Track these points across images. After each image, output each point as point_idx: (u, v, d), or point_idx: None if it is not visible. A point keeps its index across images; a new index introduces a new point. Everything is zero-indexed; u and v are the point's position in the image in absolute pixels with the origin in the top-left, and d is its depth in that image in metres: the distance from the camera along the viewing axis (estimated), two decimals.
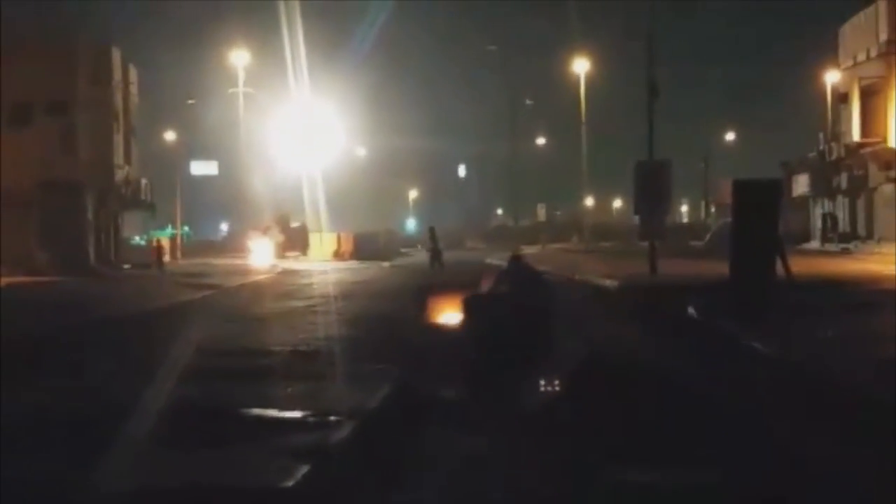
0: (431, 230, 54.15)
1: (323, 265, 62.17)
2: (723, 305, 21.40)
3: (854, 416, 10.98)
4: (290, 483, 8.61)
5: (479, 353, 13.98)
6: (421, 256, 75.26)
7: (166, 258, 72.11)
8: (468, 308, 14.92)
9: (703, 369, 14.95)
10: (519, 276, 16.12)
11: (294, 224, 79.64)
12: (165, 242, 79.61)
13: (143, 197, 64.84)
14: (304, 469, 8.95)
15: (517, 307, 14.61)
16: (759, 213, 21.90)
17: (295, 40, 67.47)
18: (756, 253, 21.63)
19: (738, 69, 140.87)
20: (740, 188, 22.90)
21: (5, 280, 40.81)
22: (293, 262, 66.35)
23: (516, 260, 17.09)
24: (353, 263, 64.31)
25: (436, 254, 51.96)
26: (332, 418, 11.22)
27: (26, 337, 21.09)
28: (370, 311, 26.34)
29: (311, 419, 11.35)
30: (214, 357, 17.16)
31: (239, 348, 18.66)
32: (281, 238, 72.63)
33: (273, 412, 11.86)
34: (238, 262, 64.69)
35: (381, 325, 22.28)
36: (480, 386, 12.77)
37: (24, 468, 9.31)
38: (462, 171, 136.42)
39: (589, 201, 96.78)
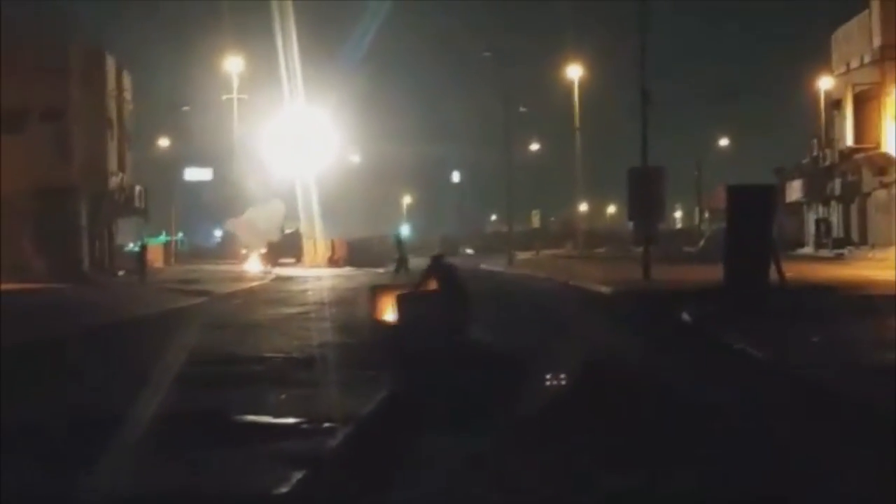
0: (397, 237, 53.80)
1: (317, 271, 62.16)
2: (717, 310, 21.44)
3: (847, 420, 10.99)
4: (285, 489, 8.60)
5: (406, 337, 17.07)
6: (416, 263, 75.29)
7: (159, 264, 72.04)
8: (399, 303, 18.02)
9: (696, 374, 14.96)
10: (440, 273, 18.73)
11: (288, 230, 79.58)
12: (158, 249, 79.54)
13: (137, 203, 64.76)
14: (299, 475, 8.95)
15: (438, 297, 18.05)
16: (753, 219, 21.96)
17: (289, 46, 67.50)
18: (750, 258, 21.70)
19: (731, 75, 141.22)
20: (734, 194, 22.97)
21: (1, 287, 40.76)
22: (287, 269, 66.33)
23: (437, 259, 19.51)
24: (348, 270, 64.31)
25: (402, 261, 50.85)
26: (326, 425, 11.22)
27: (17, 345, 21.05)
28: (364, 317, 26.28)
29: (304, 426, 11.35)
30: (206, 364, 17.11)
31: (231, 355, 18.60)
32: (265, 249, 72.43)
33: (266, 418, 11.86)
34: (232, 268, 64.67)
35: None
36: (404, 359, 16.06)
37: (16, 474, 9.30)
38: (456, 177, 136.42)
39: (583, 207, 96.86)
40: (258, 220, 75.95)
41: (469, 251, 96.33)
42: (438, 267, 19.02)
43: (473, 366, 15.66)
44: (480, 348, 17.59)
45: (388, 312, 18.33)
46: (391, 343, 17.56)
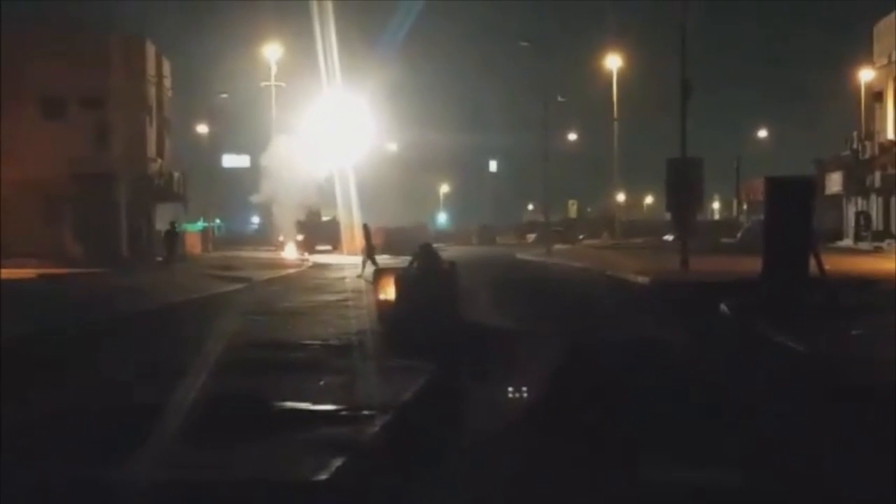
0: (365, 227, 48.40)
1: (355, 259, 62.17)
2: (755, 303, 21.35)
3: (884, 413, 10.94)
4: (324, 476, 8.65)
5: (399, 306, 20.67)
6: (453, 252, 75.25)
7: (197, 251, 72.22)
8: (397, 280, 21.37)
9: (734, 366, 14.93)
10: (427, 257, 22.31)
11: (325, 218, 79.59)
12: (196, 236, 79.73)
13: (175, 189, 64.98)
14: (338, 462, 8.99)
15: (425, 276, 21.50)
16: (792, 211, 21.84)
17: (327, 34, 67.47)
18: (789, 250, 21.58)
19: (771, 66, 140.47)
20: (773, 186, 22.85)
21: (39, 271, 41.04)
22: (324, 256, 66.41)
23: (425, 247, 23.12)
24: (384, 257, 64.33)
25: (370, 252, 44.44)
26: (365, 412, 11.26)
27: (52, 330, 21.20)
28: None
29: (343, 412, 11.39)
30: (245, 350, 17.20)
31: (269, 342, 18.70)
32: (301, 237, 72.48)
33: (306, 405, 11.90)
34: (269, 255, 64.80)
35: (412, 321, 22.27)
36: (397, 325, 19.81)
37: (61, 458, 9.40)
38: (493, 166, 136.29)
39: (620, 197, 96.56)
40: (295, 208, 76.03)
41: (506, 241, 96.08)
42: (426, 253, 22.53)
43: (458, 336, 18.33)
44: (466, 322, 20.53)
45: (388, 291, 21.46)
46: (388, 314, 21.02)
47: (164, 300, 28.89)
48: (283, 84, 79.14)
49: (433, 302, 20.53)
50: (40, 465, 9.09)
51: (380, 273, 23.24)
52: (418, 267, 22.08)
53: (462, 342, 17.66)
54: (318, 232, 76.52)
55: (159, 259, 57.77)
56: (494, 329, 20.35)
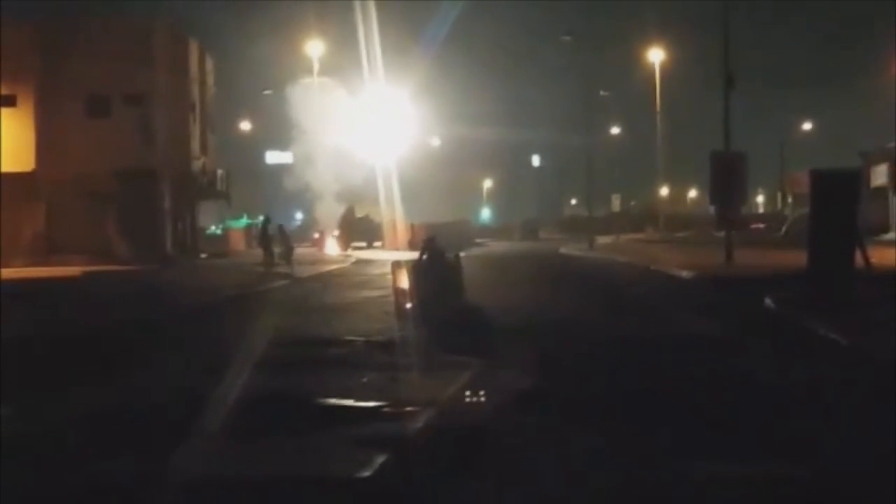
0: (280, 227, 46.74)
1: (397, 255, 62.21)
2: (800, 297, 21.20)
3: None
4: (367, 473, 8.63)
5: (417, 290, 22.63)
6: (496, 247, 75.26)
7: (240, 247, 72.48)
8: (412, 269, 23.77)
9: (780, 361, 14.82)
10: (433, 251, 25.02)
11: (359, 215, 79.61)
12: (239, 233, 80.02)
13: (219, 187, 65.28)
14: (381, 459, 8.97)
15: (433, 266, 24.19)
16: (838, 204, 21.65)
17: (370, 30, 67.58)
18: (834, 244, 21.40)
19: (816, 57, 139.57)
20: (818, 178, 22.65)
21: (85, 268, 41.34)
22: (367, 252, 66.54)
23: (429, 241, 25.88)
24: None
25: (288, 251, 43.80)
26: (408, 408, 11.24)
27: (98, 327, 21.33)
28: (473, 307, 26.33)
29: (386, 409, 11.38)
30: (288, 347, 17.26)
31: (313, 338, 18.75)
32: (338, 232, 72.69)
33: (349, 401, 11.90)
34: (312, 251, 64.97)
35: (455, 318, 22.31)
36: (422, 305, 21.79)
37: (100, 451, 9.44)
38: (536, 160, 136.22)
39: (664, 191, 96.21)
40: (336, 204, 76.22)
41: (549, 235, 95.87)
42: (430, 248, 25.21)
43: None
44: (472, 311, 22.98)
45: (402, 281, 23.46)
46: (400, 302, 23.02)
47: (211, 297, 29.03)
48: (327, 80, 79.27)
49: (441, 290, 22.89)
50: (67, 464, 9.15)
51: (396, 265, 24.80)
52: (427, 259, 24.70)
53: (502, 340, 17.69)
54: (353, 228, 76.72)
55: (203, 256, 58.12)
56: (534, 325, 20.33)
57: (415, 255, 27.38)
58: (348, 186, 73.81)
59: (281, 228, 46.70)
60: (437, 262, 24.64)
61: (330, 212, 74.47)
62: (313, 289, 33.15)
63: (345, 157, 71.19)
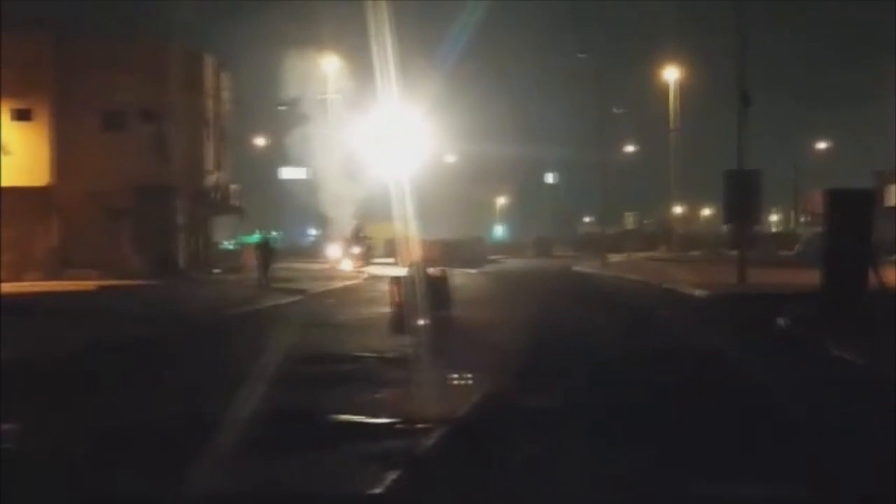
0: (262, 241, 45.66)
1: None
2: (814, 316, 21.16)
3: None
4: (379, 490, 8.63)
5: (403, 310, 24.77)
6: (509, 264, 75.24)
7: (254, 262, 72.49)
8: (401, 284, 26.26)
9: (792, 381, 14.78)
10: (418, 267, 27.43)
11: (362, 234, 79.51)
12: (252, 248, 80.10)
13: (233, 201, 65.35)
14: (393, 476, 8.97)
15: (420, 282, 25.99)
16: (853, 224, 21.63)
17: (384, 47, 67.66)
18: (849, 263, 21.37)
19: (830, 76, 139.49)
20: (833, 198, 22.63)
21: (99, 282, 41.41)
22: (380, 268, 66.54)
23: (415, 263, 28.40)
24: (440, 270, 64.20)
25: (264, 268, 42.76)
26: (420, 425, 11.24)
27: (112, 343, 21.37)
28: (457, 318, 26.36)
29: (398, 426, 11.37)
30: (300, 363, 17.26)
31: (324, 354, 18.74)
32: (358, 250, 72.74)
33: (360, 418, 11.89)
34: (325, 266, 65.01)
35: (469, 335, 22.29)
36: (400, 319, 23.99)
37: (115, 468, 9.45)
38: (550, 178, 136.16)
39: (678, 209, 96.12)
40: (349, 220, 76.30)
41: (563, 252, 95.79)
42: (416, 265, 27.87)
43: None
44: (458, 321, 24.92)
45: (397, 295, 26.17)
46: (395, 313, 25.48)
47: (222, 312, 29.08)
48: (339, 96, 79.36)
49: (431, 302, 24.87)
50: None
51: (394, 281, 27.30)
52: (414, 274, 26.70)
53: (514, 357, 17.69)
54: (368, 245, 76.78)
55: (216, 271, 58.17)
56: (547, 343, 20.33)
57: (430, 271, 27.73)
58: (361, 202, 73.87)
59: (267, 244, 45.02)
60: (421, 276, 26.57)
61: (343, 228, 74.50)
62: (328, 305, 33.17)
63: (359, 173, 71.25)
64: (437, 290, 26.25)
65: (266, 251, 43.11)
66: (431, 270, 27.75)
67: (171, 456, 9.99)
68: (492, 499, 8.53)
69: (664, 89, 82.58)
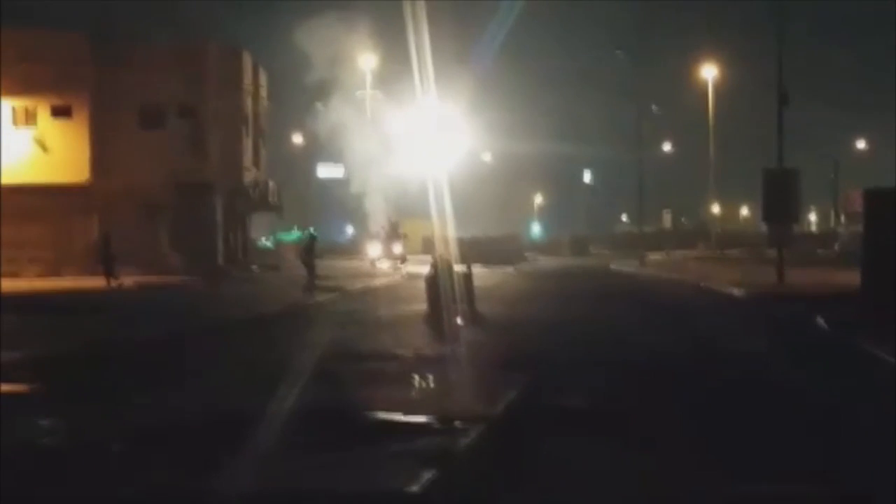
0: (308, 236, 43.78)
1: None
2: (853, 316, 21.04)
3: None
4: (416, 488, 8.63)
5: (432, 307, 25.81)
6: (545, 262, 75.13)
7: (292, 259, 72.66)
8: (429, 280, 27.02)
9: (832, 381, 14.71)
10: (442, 264, 27.26)
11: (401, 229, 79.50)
12: (290, 246, 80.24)
13: (270, 199, 65.47)
14: (430, 474, 8.96)
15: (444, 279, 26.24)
16: (892, 223, 21.48)
17: (421, 45, 67.68)
18: (889, 263, 21.23)
19: (871, 74, 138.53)
20: (872, 197, 22.51)
21: (138, 279, 41.59)
22: (418, 266, 66.53)
23: (441, 260, 27.71)
24: (478, 268, 64.23)
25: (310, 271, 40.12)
26: (457, 423, 11.23)
27: (148, 339, 21.45)
28: (496, 315, 26.36)
29: (435, 424, 11.37)
30: (338, 361, 17.26)
31: (362, 352, 18.77)
32: (396, 247, 72.71)
33: (398, 416, 11.89)
34: (362, 264, 65.09)
35: (510, 332, 22.28)
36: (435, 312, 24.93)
37: (154, 472, 9.48)
38: (587, 176, 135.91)
39: (716, 208, 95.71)
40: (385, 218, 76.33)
41: (600, 251, 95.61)
42: (438, 263, 27.50)
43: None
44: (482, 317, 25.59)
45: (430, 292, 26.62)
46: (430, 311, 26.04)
47: (259, 309, 29.16)
48: (378, 93, 79.42)
49: (454, 299, 25.29)
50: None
51: (429, 278, 27.46)
52: (438, 272, 26.83)
53: (553, 355, 17.67)
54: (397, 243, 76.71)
55: (254, 268, 58.32)
56: (584, 342, 20.30)
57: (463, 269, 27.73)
58: (398, 200, 73.89)
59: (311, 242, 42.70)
60: (445, 275, 26.79)
61: (380, 226, 74.57)
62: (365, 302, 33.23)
63: (396, 172, 71.29)
64: (462, 287, 26.56)
65: (311, 249, 41.83)
66: (457, 267, 27.98)
67: (210, 454, 9.96)
68: (528, 499, 8.51)
69: (702, 87, 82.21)
